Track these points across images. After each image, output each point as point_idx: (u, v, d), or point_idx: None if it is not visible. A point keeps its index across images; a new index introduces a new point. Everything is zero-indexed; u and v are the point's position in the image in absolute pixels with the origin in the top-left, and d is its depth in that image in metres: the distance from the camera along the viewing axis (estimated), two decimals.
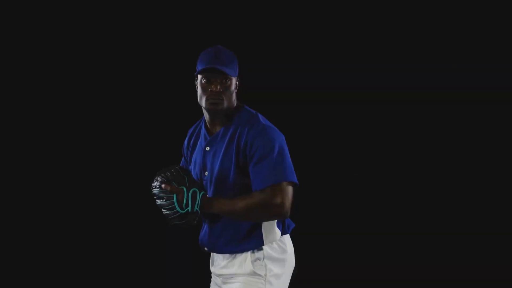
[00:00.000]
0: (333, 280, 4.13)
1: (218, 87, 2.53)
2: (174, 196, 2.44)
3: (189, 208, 2.42)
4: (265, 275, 2.53)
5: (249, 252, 2.54)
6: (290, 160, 2.52)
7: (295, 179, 2.48)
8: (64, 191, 4.21)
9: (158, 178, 2.45)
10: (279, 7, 4.22)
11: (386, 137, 4.23)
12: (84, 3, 4.19)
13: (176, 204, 2.42)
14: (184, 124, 2.83)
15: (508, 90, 4.14)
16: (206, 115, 2.60)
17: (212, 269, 2.66)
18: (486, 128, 4.17)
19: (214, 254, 2.65)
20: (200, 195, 2.44)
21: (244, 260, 2.55)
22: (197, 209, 2.43)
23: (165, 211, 2.43)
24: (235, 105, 2.59)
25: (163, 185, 2.43)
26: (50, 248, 4.17)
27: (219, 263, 2.61)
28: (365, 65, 4.22)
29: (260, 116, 2.58)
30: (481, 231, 4.13)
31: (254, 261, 2.53)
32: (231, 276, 2.56)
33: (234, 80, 2.57)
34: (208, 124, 2.62)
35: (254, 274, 2.53)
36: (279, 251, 2.56)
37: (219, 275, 2.61)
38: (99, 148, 4.24)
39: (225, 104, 2.53)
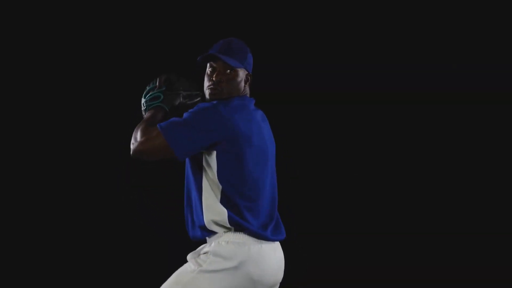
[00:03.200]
0: (333, 279, 4.13)
1: (220, 76, 2.50)
2: (150, 85, 2.61)
3: (143, 101, 2.58)
4: (200, 266, 2.43)
5: (206, 245, 2.46)
6: (194, 137, 2.37)
7: (174, 146, 2.37)
8: (64, 191, 4.21)
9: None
10: (278, 8, 4.23)
11: (386, 137, 4.23)
12: (84, 3, 4.20)
13: (144, 91, 2.61)
14: None
15: (508, 90, 4.15)
16: None
17: None
18: (486, 128, 4.17)
19: None
20: (158, 102, 2.55)
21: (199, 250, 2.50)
22: (145, 106, 2.57)
23: None
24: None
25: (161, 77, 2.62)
26: (50, 248, 4.17)
27: None
28: (365, 65, 4.22)
29: (235, 103, 2.46)
30: (481, 231, 4.13)
31: (202, 252, 2.46)
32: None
33: (241, 72, 2.53)
34: None
35: (193, 261, 2.46)
36: (231, 253, 2.42)
37: None
38: (99, 148, 4.24)
39: (225, 95, 2.49)
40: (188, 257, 2.52)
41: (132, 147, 2.45)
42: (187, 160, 2.54)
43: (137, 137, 2.45)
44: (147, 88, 2.62)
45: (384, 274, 4.13)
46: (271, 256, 2.48)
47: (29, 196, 4.19)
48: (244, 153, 2.42)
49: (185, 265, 2.51)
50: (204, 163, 2.47)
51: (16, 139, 4.19)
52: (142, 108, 2.62)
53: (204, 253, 2.46)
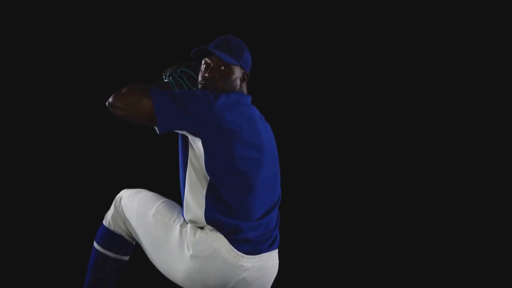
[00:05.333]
0: (333, 281, 4.13)
1: (213, 73, 2.46)
2: (194, 71, 2.57)
3: (174, 73, 2.58)
4: (182, 224, 2.44)
5: (189, 224, 2.47)
6: (181, 115, 2.33)
7: (159, 115, 2.32)
8: (63, 191, 4.21)
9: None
10: (278, 8, 4.23)
11: (386, 137, 4.23)
12: (83, 3, 4.21)
13: (183, 66, 2.60)
14: None
15: (508, 90, 4.15)
16: None
17: None
18: (486, 128, 4.17)
19: None
20: (173, 81, 2.57)
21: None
22: (167, 78, 2.60)
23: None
24: None
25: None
26: (48, 248, 4.17)
27: None
28: (365, 65, 4.22)
29: (230, 97, 2.41)
30: (481, 231, 4.13)
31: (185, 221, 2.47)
32: None
33: (236, 70, 2.49)
34: None
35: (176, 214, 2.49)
36: (195, 243, 2.40)
37: None
38: (98, 148, 4.24)
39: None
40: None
41: (112, 97, 2.37)
42: (179, 154, 2.50)
43: (124, 89, 2.38)
44: (189, 69, 2.58)
45: (384, 274, 4.14)
46: (230, 276, 2.42)
47: (28, 197, 4.20)
48: (232, 147, 2.37)
49: (180, 213, 2.51)
50: (191, 155, 2.43)
51: (16, 139, 4.20)
52: (165, 74, 2.59)
53: (189, 224, 2.45)
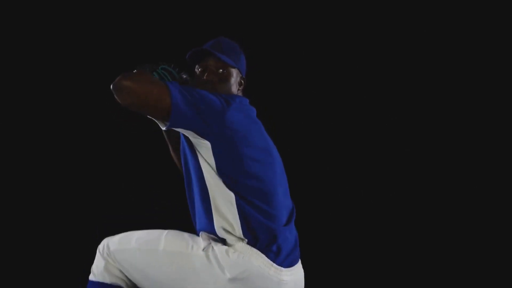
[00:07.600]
0: (334, 282, 4.13)
1: (211, 76, 2.32)
2: (174, 72, 2.37)
3: (157, 67, 2.38)
4: (205, 249, 2.24)
5: (220, 243, 2.27)
6: (193, 108, 2.15)
7: (175, 107, 2.12)
8: (62, 191, 4.21)
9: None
10: (278, 8, 4.23)
11: (386, 137, 4.23)
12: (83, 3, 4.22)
13: (167, 64, 2.39)
14: None
15: (508, 90, 4.14)
16: None
17: None
18: (486, 127, 4.17)
19: None
20: (162, 73, 2.40)
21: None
22: (154, 70, 2.41)
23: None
24: None
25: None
26: (47, 249, 4.17)
27: None
28: (365, 65, 4.22)
29: (237, 100, 2.26)
30: (481, 231, 4.13)
31: (214, 242, 2.27)
32: None
33: (234, 72, 2.36)
34: None
35: (203, 238, 2.27)
36: (232, 264, 2.21)
37: None
38: (96, 148, 4.24)
39: None
40: (202, 234, 2.33)
41: (121, 78, 2.13)
42: (191, 164, 2.33)
43: (135, 74, 2.16)
44: (172, 69, 2.39)
45: (384, 275, 4.14)
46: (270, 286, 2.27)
47: (27, 197, 4.20)
48: (242, 149, 2.23)
49: (193, 237, 2.33)
50: (200, 160, 2.25)
51: (16, 139, 4.21)
52: (153, 68, 2.39)
53: (215, 246, 2.26)
